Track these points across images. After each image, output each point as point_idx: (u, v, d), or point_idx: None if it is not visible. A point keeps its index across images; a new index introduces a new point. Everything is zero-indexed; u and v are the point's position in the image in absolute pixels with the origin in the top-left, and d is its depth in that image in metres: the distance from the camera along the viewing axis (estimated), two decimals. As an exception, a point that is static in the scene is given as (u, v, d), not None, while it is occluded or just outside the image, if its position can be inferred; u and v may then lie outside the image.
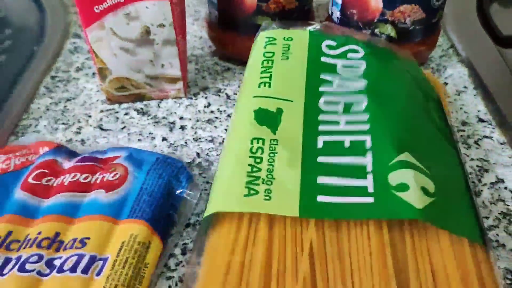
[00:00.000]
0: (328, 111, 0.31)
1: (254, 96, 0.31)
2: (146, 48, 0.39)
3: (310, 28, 0.36)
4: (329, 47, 0.34)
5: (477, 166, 0.34)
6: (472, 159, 0.35)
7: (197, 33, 0.51)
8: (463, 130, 0.38)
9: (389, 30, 0.41)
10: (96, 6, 0.36)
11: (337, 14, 0.43)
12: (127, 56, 0.39)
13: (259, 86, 0.31)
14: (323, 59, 0.34)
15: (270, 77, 0.32)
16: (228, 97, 0.42)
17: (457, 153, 0.30)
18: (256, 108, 0.30)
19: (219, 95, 0.42)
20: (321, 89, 0.32)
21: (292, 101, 0.31)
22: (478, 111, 0.40)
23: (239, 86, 0.43)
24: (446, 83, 0.43)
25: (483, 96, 0.41)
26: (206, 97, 0.42)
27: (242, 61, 0.46)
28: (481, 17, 0.54)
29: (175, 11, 0.38)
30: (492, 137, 0.37)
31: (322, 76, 0.33)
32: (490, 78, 0.43)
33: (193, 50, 0.48)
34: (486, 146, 0.36)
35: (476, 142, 0.36)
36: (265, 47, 0.34)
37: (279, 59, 0.33)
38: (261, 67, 0.33)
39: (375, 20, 0.41)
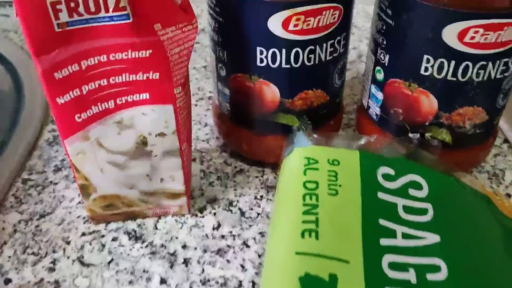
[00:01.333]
0: (398, 279, 0.22)
1: (298, 253, 0.23)
2: (141, 161, 0.30)
3: (358, 145, 0.28)
4: (386, 177, 0.26)
5: None
6: None
7: (201, 118, 0.43)
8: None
9: (444, 135, 0.33)
10: (78, 115, 0.28)
11: (375, 110, 0.36)
12: (116, 171, 0.30)
13: (303, 236, 0.23)
14: (380, 195, 0.26)
15: (316, 222, 0.24)
16: (242, 213, 0.34)
17: None
18: (302, 274, 0.22)
19: (231, 211, 0.34)
20: (382, 242, 0.24)
21: (348, 262, 0.22)
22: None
23: (255, 197, 0.35)
24: (509, 195, 0.35)
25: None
26: (215, 214, 0.34)
27: (256, 162, 0.38)
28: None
29: (179, 116, 0.30)
30: None
31: (381, 222, 0.24)
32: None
33: (197, 143, 0.40)
34: None
35: None
36: (305, 173, 0.26)
37: (326, 193, 0.25)
38: (303, 205, 0.25)
39: (427, 123, 0.33)
